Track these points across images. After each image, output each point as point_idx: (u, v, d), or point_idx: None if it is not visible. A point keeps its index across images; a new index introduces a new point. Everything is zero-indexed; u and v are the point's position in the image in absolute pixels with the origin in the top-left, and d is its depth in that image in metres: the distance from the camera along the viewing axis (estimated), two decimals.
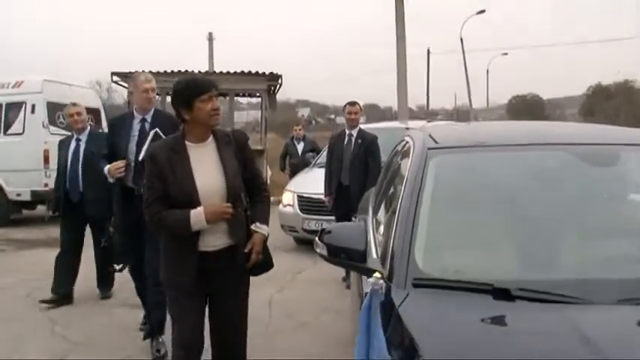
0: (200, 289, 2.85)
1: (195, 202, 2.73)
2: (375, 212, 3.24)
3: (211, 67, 47.48)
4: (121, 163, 4.13)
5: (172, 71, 10.97)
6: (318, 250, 2.44)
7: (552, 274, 1.98)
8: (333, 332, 4.43)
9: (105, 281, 5.52)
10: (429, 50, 34.56)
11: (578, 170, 2.48)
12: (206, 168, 2.80)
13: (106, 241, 4.91)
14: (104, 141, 4.52)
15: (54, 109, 10.14)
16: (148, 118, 4.22)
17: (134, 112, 4.27)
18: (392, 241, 2.10)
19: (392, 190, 2.97)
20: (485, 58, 74.11)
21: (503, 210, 2.35)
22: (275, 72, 11.28)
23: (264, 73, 11.38)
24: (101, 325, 4.77)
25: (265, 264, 2.92)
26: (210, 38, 49.71)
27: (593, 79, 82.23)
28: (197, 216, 2.70)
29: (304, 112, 51.60)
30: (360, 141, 6.12)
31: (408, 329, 1.67)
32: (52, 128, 10.08)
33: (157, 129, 4.06)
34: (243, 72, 11.41)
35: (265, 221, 2.95)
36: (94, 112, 10.48)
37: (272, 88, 12.10)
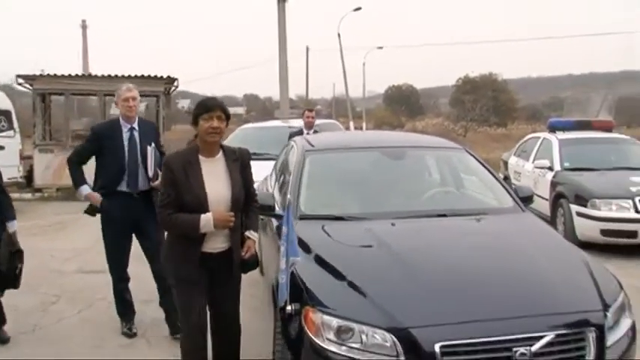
0: (203, 282, 3.41)
1: (204, 208, 3.28)
2: (274, 187, 5.41)
3: (85, 59, 47.00)
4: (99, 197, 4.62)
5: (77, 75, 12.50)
6: None
7: (367, 209, 4.22)
8: None
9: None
10: (307, 47, 37.24)
11: (384, 161, 4.81)
12: (215, 180, 3.34)
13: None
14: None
15: None
16: (135, 126, 4.65)
17: (120, 121, 4.64)
18: (287, 199, 4.28)
19: (285, 173, 5.16)
20: (362, 51, 78.19)
21: (346, 182, 4.63)
22: (171, 75, 13.16)
23: (162, 76, 13.25)
24: None
25: (254, 263, 3.53)
26: (84, 26, 48.91)
27: (462, 71, 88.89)
28: (206, 220, 3.24)
29: (184, 104, 52.29)
30: None
31: (299, 236, 3.82)
32: None
33: (153, 145, 4.65)
34: (142, 75, 13.13)
35: (256, 229, 3.62)
36: (5, 114, 11.77)
37: (168, 90, 13.99)
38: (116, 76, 12.93)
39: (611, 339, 3.03)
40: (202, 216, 3.24)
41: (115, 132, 4.60)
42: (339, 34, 33.24)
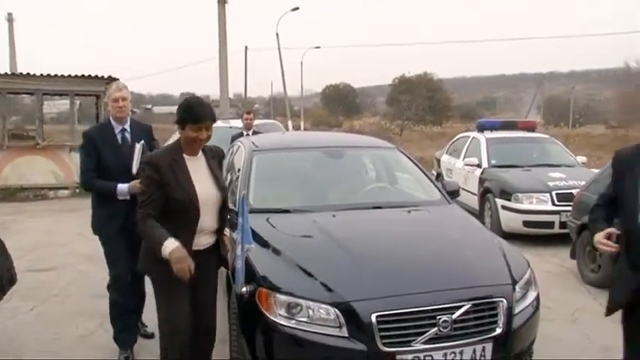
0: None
1: (195, 206, 3.27)
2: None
3: (13, 55, 45.66)
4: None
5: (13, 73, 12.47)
6: None
7: (310, 203, 4.71)
8: None
9: None
10: (246, 47, 37.56)
11: (325, 160, 5.32)
12: (202, 178, 3.34)
13: None
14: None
15: None
16: (127, 127, 4.44)
17: (111, 122, 4.42)
18: (242, 193, 4.71)
19: (232, 173, 5.59)
20: (300, 51, 78.73)
21: (291, 179, 5.11)
22: (112, 75, 13.29)
23: (102, 76, 13.39)
24: None
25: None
26: (10, 19, 47.43)
27: (399, 70, 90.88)
28: (167, 250, 3.09)
29: None
30: None
31: (251, 227, 4.26)
32: None
33: (142, 141, 4.41)
34: (83, 75, 13.22)
35: (226, 226, 3.61)
36: None
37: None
38: (55, 75, 12.97)
39: (518, 308, 3.62)
40: (167, 243, 3.10)
41: (108, 134, 4.40)
42: (277, 34, 33.71)
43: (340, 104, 68.07)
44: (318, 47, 45.42)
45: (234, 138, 8.28)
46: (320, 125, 49.50)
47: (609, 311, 2.97)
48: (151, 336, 4.83)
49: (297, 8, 33.58)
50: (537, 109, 63.23)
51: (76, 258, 7.59)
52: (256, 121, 14.49)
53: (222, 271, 5.24)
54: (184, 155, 3.34)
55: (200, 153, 3.41)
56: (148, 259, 3.33)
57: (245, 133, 9.12)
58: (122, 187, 4.28)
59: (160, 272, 3.24)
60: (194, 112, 3.22)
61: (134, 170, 4.32)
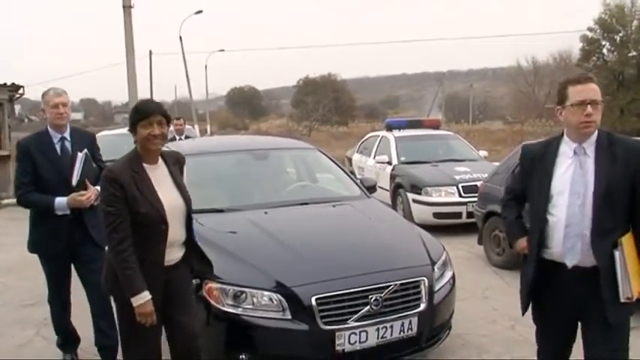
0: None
1: (164, 219, 3.04)
2: None
3: None
4: (89, 193, 4.01)
5: None
6: None
7: (241, 202, 5.05)
8: None
9: None
10: (150, 51, 37.09)
11: (251, 162, 5.68)
12: (165, 188, 3.11)
13: None
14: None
15: None
16: (67, 136, 4.12)
17: (49, 131, 4.10)
18: None
19: None
20: (204, 55, 78.25)
21: (221, 181, 5.44)
22: (16, 83, 13.03)
23: (5, 83, 13.06)
24: None
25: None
26: None
27: (303, 72, 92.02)
28: (137, 302, 2.94)
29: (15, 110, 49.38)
30: None
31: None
32: None
33: (86, 150, 4.14)
34: None
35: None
36: None
37: (11, 97, 13.78)
38: None
39: (437, 286, 4.14)
40: (142, 294, 2.96)
41: (45, 144, 4.08)
42: (180, 37, 33.46)
43: (245, 107, 68.14)
44: (222, 50, 45.36)
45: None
46: (226, 128, 49.41)
47: (524, 306, 3.17)
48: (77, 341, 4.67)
49: (201, 11, 33.55)
50: (439, 107, 65.89)
51: None
52: (172, 127, 14.61)
53: None
54: (144, 165, 3.10)
55: (160, 160, 3.20)
56: (115, 281, 3.06)
57: (178, 138, 9.43)
58: (61, 200, 3.99)
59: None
60: (140, 109, 3.05)
61: (74, 182, 4.06)
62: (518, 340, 4.71)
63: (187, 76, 33.50)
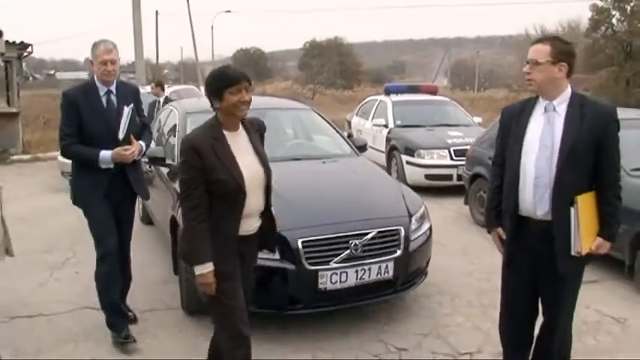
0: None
1: (242, 188, 2.96)
2: (160, 143, 6.51)
3: None
4: (133, 148, 4.09)
5: None
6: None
7: None
8: None
9: None
10: (157, 11, 37.16)
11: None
12: (244, 155, 3.03)
13: None
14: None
15: None
16: (113, 89, 4.12)
17: (96, 83, 4.08)
18: (175, 152, 5.41)
19: (168, 133, 6.28)
20: (211, 15, 77.95)
21: None
22: (25, 41, 13.37)
23: (14, 41, 13.41)
24: None
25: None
26: None
27: (310, 35, 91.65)
28: (201, 271, 2.91)
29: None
30: None
31: None
32: None
33: (132, 105, 4.17)
34: None
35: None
36: None
37: (20, 55, 14.14)
38: None
39: (414, 235, 4.60)
40: (206, 264, 2.93)
41: (92, 97, 4.08)
42: None
43: (251, 69, 67.98)
44: (228, 11, 45.42)
45: (151, 105, 9.81)
46: None
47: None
48: (133, 321, 4.59)
49: None
50: (445, 74, 65.78)
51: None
52: (175, 87, 15.19)
53: (159, 228, 5.99)
54: (224, 131, 3.02)
55: (240, 127, 3.12)
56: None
57: (159, 100, 10.44)
58: (106, 154, 4.02)
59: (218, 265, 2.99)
60: (229, 75, 2.97)
61: (120, 136, 4.11)
62: (489, 290, 5.18)
63: (193, 37, 33.65)
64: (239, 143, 3.06)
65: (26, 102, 19.48)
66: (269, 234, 3.29)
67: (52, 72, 58.72)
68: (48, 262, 6.12)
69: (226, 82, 2.93)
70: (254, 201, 3.07)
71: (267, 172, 3.13)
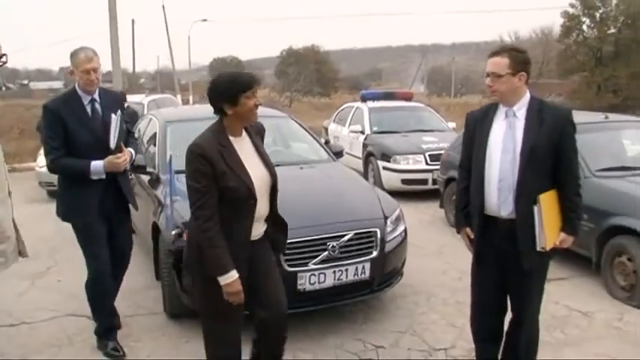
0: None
1: (252, 194, 2.94)
2: (140, 151, 6.59)
3: None
4: (125, 155, 4.01)
5: None
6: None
7: None
8: None
9: None
10: (133, 20, 37.16)
11: None
12: (251, 160, 3.01)
13: None
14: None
15: None
16: (97, 97, 4.01)
17: (77, 92, 3.98)
18: (169, 155, 5.48)
19: (148, 142, 6.39)
20: (187, 24, 77.84)
21: None
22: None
23: None
24: None
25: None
26: None
27: (287, 43, 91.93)
28: (226, 281, 2.88)
29: None
30: None
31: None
32: None
33: (119, 112, 4.06)
34: None
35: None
36: None
37: None
38: None
39: (389, 237, 4.77)
40: (231, 273, 2.90)
41: (75, 106, 3.96)
42: (163, 6, 33.62)
43: None
44: (205, 20, 45.45)
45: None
46: None
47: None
48: (118, 326, 4.49)
49: None
50: (421, 80, 66.38)
51: None
52: (152, 96, 15.25)
53: (141, 236, 6.08)
54: (230, 137, 3.00)
55: (244, 132, 3.10)
56: (199, 259, 2.99)
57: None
58: (97, 164, 3.91)
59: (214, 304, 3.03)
60: (243, 79, 2.93)
61: (112, 145, 3.99)
62: (462, 288, 5.34)
63: (170, 46, 33.76)
64: (245, 149, 3.04)
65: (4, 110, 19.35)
66: (280, 236, 3.32)
67: (25, 82, 58.07)
68: (29, 271, 6.15)
69: (243, 86, 2.89)
70: (263, 206, 3.08)
71: (273, 175, 3.13)
